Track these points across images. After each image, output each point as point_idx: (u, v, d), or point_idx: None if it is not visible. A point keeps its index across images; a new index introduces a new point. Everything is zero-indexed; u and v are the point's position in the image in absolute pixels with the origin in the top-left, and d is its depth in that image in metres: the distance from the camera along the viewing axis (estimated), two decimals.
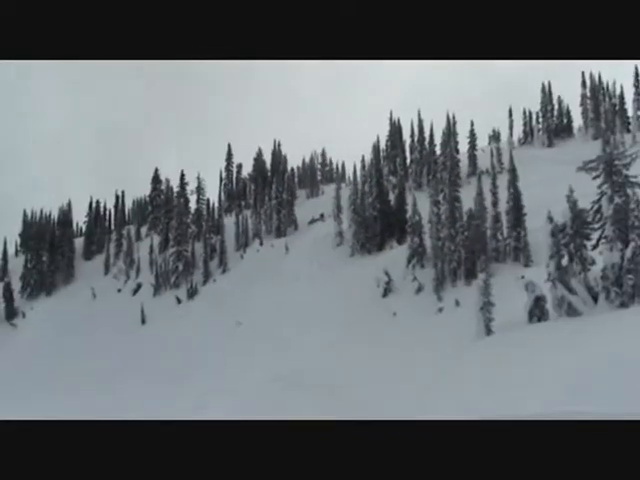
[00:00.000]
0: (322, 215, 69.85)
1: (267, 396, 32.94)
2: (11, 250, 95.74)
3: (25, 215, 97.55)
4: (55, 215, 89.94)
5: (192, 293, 64.60)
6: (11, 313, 77.66)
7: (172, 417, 34.73)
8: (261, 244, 68.68)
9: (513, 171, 46.27)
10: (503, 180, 47.72)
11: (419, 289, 45.31)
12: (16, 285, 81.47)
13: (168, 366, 49.67)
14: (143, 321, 63.03)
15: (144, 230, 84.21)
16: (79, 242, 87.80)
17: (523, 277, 35.44)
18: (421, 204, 50.17)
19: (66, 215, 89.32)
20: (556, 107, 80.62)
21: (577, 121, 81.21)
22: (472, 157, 69.68)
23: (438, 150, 68.35)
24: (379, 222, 57.34)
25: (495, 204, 46.03)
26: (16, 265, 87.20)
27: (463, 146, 70.31)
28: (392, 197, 60.28)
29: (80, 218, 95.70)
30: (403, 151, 74.20)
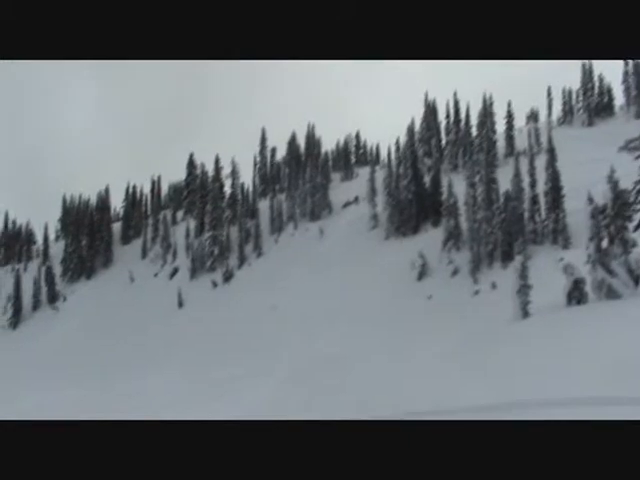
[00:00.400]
0: (356, 198, 69.49)
1: (299, 384, 32.99)
2: (51, 235, 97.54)
3: (64, 201, 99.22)
4: (93, 200, 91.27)
5: (228, 277, 64.97)
6: (53, 297, 79.20)
7: (207, 398, 35.09)
8: (295, 228, 68.71)
9: (552, 151, 45.36)
10: (541, 161, 46.86)
11: (455, 272, 44.88)
12: (57, 269, 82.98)
13: (204, 350, 50.12)
14: (180, 304, 63.65)
15: (180, 214, 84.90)
16: (117, 227, 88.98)
17: (562, 259, 34.83)
18: (457, 186, 49.63)
19: (104, 200, 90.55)
20: (597, 85, 78.73)
21: (619, 99, 79.30)
22: (509, 138, 68.57)
23: (474, 131, 67.42)
24: (414, 205, 56.80)
25: (533, 185, 45.17)
26: (57, 250, 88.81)
27: (500, 127, 69.26)
28: (427, 179, 59.66)
29: (117, 203, 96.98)
30: (438, 133, 73.33)
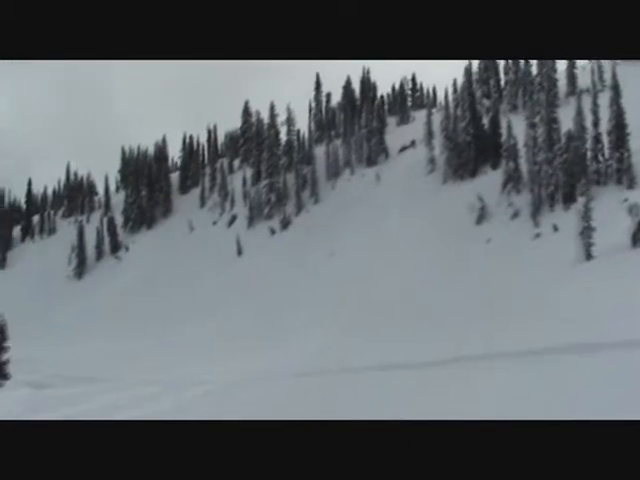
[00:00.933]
0: (413, 142, 68.48)
1: (356, 332, 33.18)
2: (112, 187, 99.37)
3: (123, 152, 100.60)
4: (151, 151, 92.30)
5: (285, 224, 65.34)
6: (115, 247, 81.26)
7: (264, 345, 35.61)
8: (352, 173, 68.30)
9: (616, 88, 43.63)
10: (605, 99, 45.16)
11: (515, 215, 44.10)
12: (118, 220, 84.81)
13: (263, 297, 50.87)
14: (239, 252, 64.48)
15: (237, 163, 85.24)
16: (175, 177, 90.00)
17: (627, 200, 33.85)
18: (516, 127, 48.35)
19: (162, 151, 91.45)
20: None
21: None
22: (571, 76, 66.18)
23: (534, 70, 65.22)
24: (472, 147, 55.66)
25: (596, 124, 43.61)
26: (117, 201, 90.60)
27: (561, 64, 66.71)
28: (486, 121, 58.26)
29: (174, 154, 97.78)
30: (497, 73, 71.23)
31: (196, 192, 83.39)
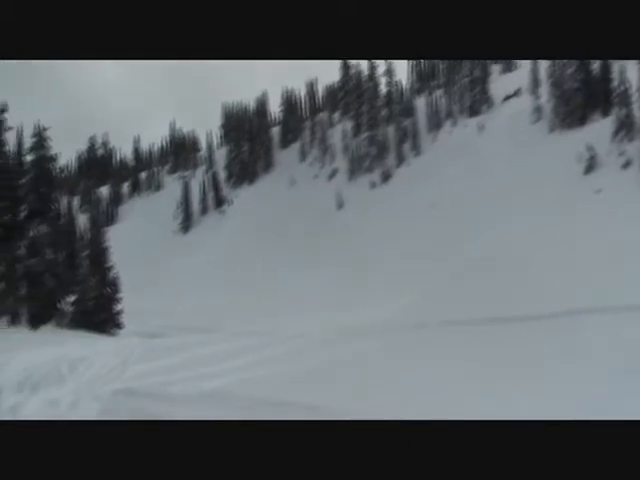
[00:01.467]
0: (518, 90, 66.23)
1: (455, 287, 32.85)
2: (214, 143, 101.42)
3: (224, 108, 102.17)
4: (252, 106, 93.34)
5: (386, 177, 64.98)
6: (219, 201, 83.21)
7: (361, 301, 35.81)
8: (454, 124, 66.94)
9: None
10: None
11: (626, 164, 42.11)
12: (221, 175, 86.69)
13: (363, 250, 51.15)
14: (339, 206, 64.77)
15: (336, 116, 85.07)
16: (275, 132, 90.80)
17: None
18: (630, 71, 45.89)
19: (262, 106, 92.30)
20: None
21: None
22: None
23: None
24: (581, 94, 53.32)
25: None
26: (220, 156, 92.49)
27: None
28: (596, 66, 55.51)
29: (273, 108, 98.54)
30: None
31: (296, 146, 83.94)
